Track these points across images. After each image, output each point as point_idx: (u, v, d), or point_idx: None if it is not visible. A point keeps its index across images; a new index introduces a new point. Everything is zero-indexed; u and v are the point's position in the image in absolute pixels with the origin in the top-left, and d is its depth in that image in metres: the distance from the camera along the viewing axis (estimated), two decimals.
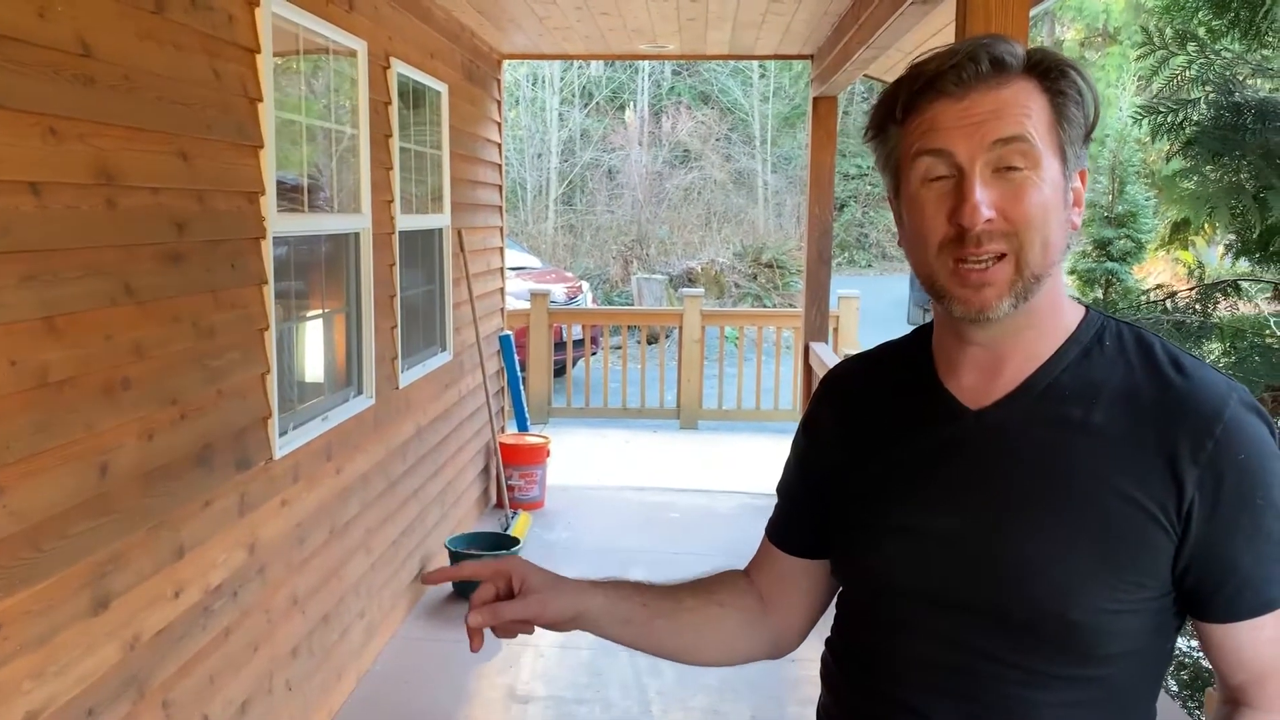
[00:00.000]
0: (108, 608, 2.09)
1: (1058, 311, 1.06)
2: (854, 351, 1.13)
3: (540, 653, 4.03)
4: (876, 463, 1.12)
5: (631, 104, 20.57)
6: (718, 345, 9.22)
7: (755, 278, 16.60)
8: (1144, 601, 1.01)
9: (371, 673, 3.78)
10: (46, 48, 1.88)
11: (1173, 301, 4.07)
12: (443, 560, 4.69)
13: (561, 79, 19.81)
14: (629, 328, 8.76)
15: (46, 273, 1.88)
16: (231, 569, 2.66)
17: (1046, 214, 0.98)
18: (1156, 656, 1.07)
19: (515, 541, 4.81)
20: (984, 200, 0.96)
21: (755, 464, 6.40)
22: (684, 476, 6.56)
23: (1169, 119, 3.47)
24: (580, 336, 9.34)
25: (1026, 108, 0.98)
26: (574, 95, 20.14)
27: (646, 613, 1.22)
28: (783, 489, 1.28)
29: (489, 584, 1.16)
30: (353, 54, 3.58)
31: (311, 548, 3.23)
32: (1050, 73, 1.00)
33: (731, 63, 20.05)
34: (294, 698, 3.09)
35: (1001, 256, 0.98)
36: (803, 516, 1.23)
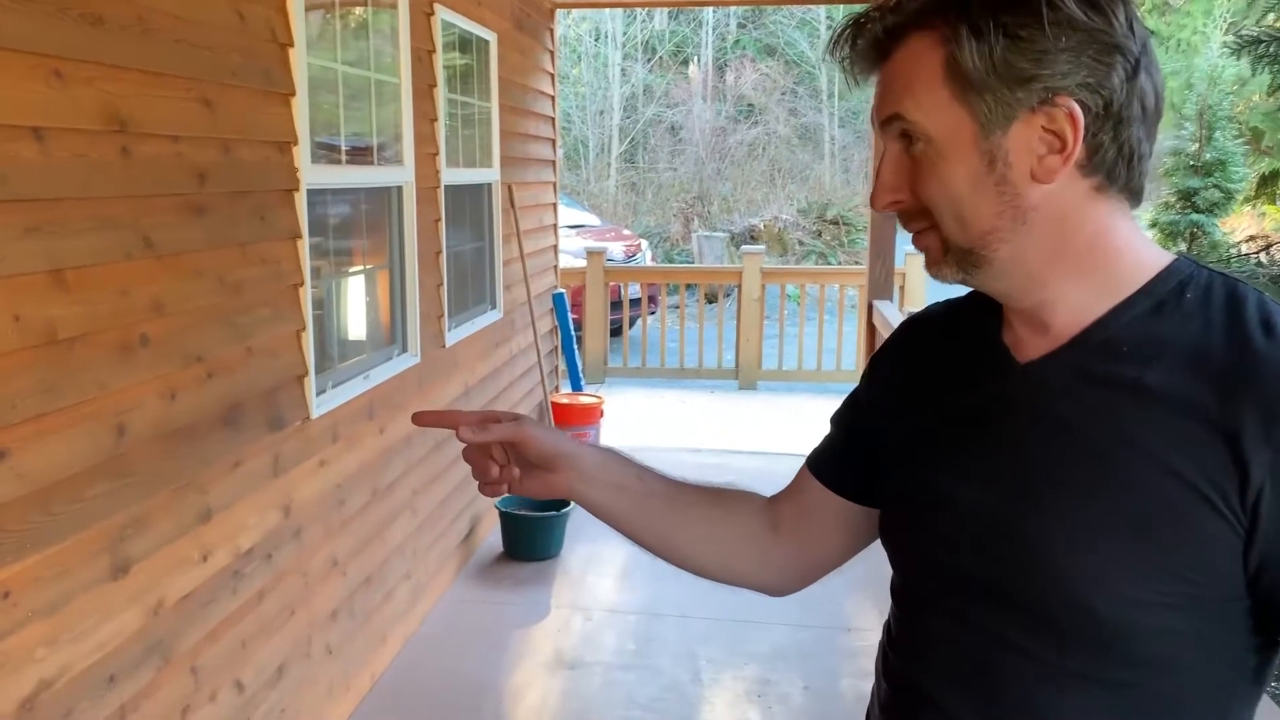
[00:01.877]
0: (128, 572, 2.02)
1: (1112, 260, 0.90)
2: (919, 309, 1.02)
3: (588, 617, 3.95)
4: (922, 416, 1.02)
5: (695, 58, 20.20)
6: (778, 304, 9.02)
7: (820, 235, 16.26)
8: (1190, 600, 0.84)
9: (417, 635, 3.73)
10: None
11: (1268, 254, 3.78)
12: (494, 520, 4.62)
13: (624, 33, 19.52)
14: (688, 286, 8.58)
15: (52, 224, 1.79)
16: (264, 531, 2.59)
17: (949, 188, 0.87)
18: (1224, 679, 0.89)
19: (566, 502, 4.72)
20: (887, 183, 0.90)
21: (815, 426, 6.16)
22: (741, 438, 6.42)
23: (1272, 49, 3.16)
24: (638, 295, 9.21)
25: (908, 76, 0.87)
26: (636, 50, 19.84)
27: (642, 486, 1.15)
28: (833, 418, 1.18)
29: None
30: (394, 0, 3.45)
31: (353, 509, 3.16)
32: (943, 15, 0.85)
33: (797, 13, 19.54)
34: (334, 661, 3.04)
35: (930, 228, 0.90)
36: (841, 451, 1.15)
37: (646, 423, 6.87)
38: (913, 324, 1.13)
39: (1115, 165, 0.87)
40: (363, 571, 3.25)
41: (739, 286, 7.80)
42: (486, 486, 1.12)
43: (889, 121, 0.89)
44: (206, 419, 2.30)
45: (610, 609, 3.99)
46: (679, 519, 1.16)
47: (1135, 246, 0.91)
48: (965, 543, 0.93)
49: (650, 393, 7.71)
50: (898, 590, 1.06)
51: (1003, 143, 0.85)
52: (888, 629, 1.08)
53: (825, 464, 1.16)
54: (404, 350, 3.66)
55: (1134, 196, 0.91)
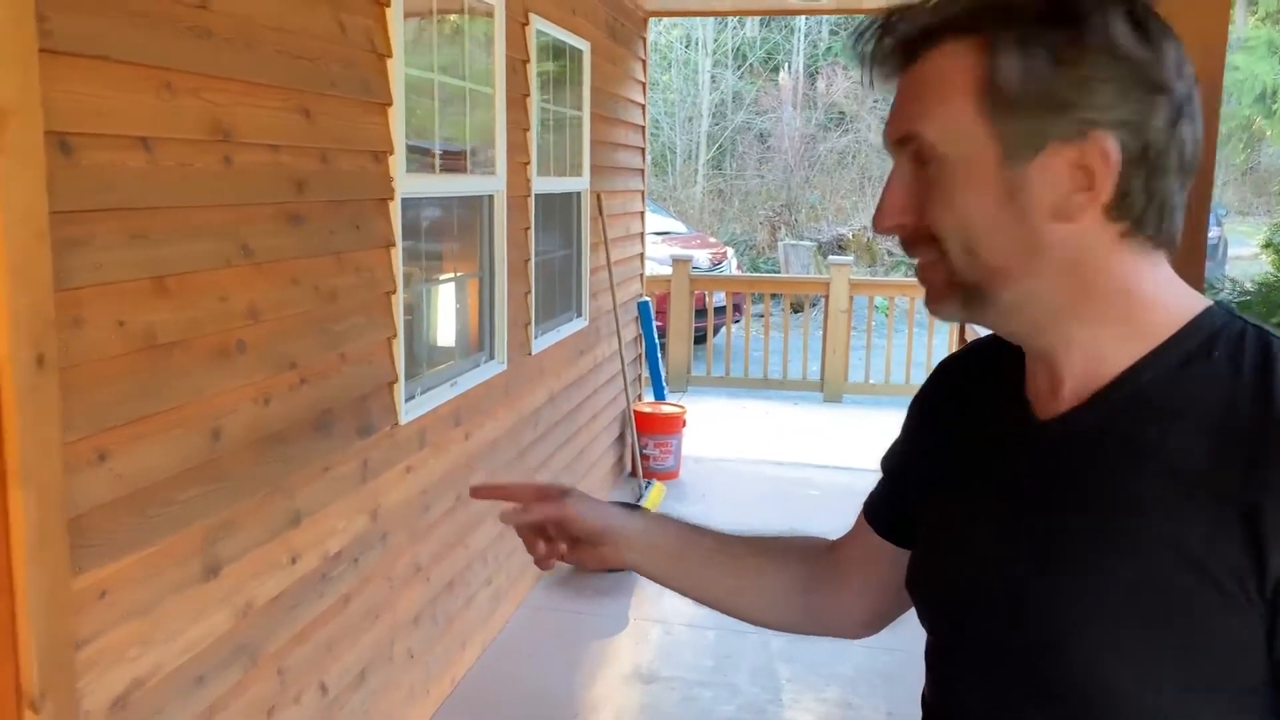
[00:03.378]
0: (218, 574, 2.05)
1: (1135, 309, 0.82)
2: None
3: (668, 631, 3.91)
4: (946, 465, 0.97)
5: (786, 65, 20.06)
6: (866, 315, 8.87)
7: None
8: (1209, 686, 0.76)
9: (496, 642, 3.74)
10: None
11: None
12: None
13: (715, 40, 19.48)
14: (773, 295, 8.50)
15: (156, 231, 1.83)
16: (352, 536, 2.61)
17: (962, 216, 0.79)
18: None
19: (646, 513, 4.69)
20: (894, 205, 0.83)
21: None
22: (825, 452, 6.32)
23: None
24: (722, 304, 9.16)
25: (932, 87, 0.80)
26: (727, 57, 19.79)
27: (690, 548, 1.15)
28: (881, 461, 1.14)
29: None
30: (489, 10, 3.47)
31: (436, 515, 3.18)
32: (987, 22, 0.77)
33: None
34: (415, 665, 3.06)
35: (936, 260, 0.82)
36: (888, 497, 1.11)
37: (728, 433, 6.81)
38: (945, 366, 1.08)
39: (1145, 214, 0.79)
40: (445, 577, 3.27)
41: (826, 297, 7.69)
42: (538, 561, 1.15)
43: (903, 141, 0.82)
44: (298, 424, 2.33)
45: (688, 623, 3.95)
46: (729, 576, 1.16)
47: (1163, 295, 0.83)
48: (979, 604, 0.88)
49: (733, 403, 7.65)
50: (926, 651, 1.00)
51: (1026, 172, 0.77)
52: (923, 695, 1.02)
53: (876, 510, 1.12)
54: (491, 358, 3.67)
55: (1167, 243, 0.82)
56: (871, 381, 7.85)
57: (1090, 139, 0.76)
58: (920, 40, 0.80)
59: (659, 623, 3.97)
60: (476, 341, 3.65)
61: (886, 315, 8.28)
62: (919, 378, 7.68)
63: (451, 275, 3.57)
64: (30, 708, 1.59)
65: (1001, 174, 0.78)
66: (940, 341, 7.46)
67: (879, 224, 0.84)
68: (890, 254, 15.34)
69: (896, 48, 0.82)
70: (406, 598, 2.98)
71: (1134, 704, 0.78)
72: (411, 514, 2.99)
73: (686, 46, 19.45)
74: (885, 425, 6.05)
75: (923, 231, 0.82)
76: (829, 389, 7.71)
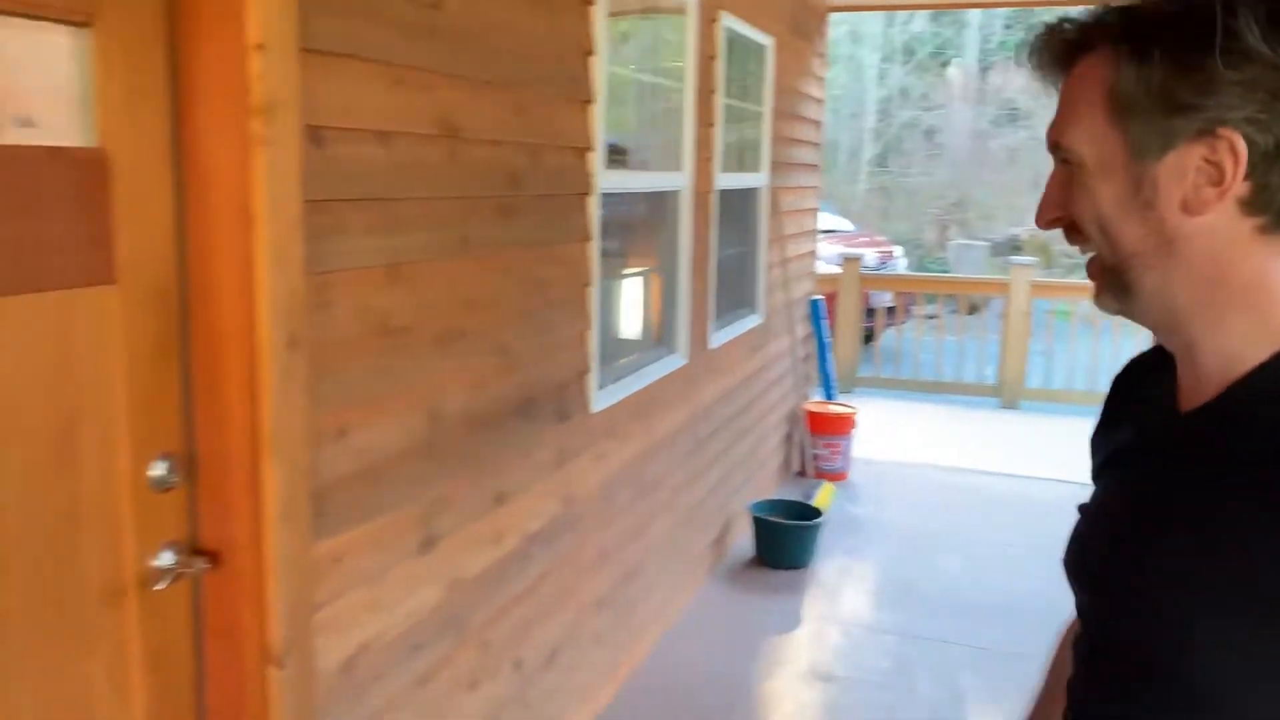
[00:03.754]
0: (433, 549, 2.16)
1: (1272, 302, 0.83)
2: None
3: (845, 631, 3.87)
4: (1115, 450, 1.01)
5: (956, 60, 19.48)
6: (1044, 319, 8.53)
7: None
8: None
9: (671, 632, 3.78)
10: None
11: None
12: (746, 525, 4.63)
13: (882, 35, 19.11)
14: (944, 296, 8.27)
15: (392, 222, 1.93)
16: (548, 518, 2.70)
17: (1096, 207, 0.86)
18: None
19: (818, 512, 4.66)
20: (1049, 200, 0.91)
21: (1083, 451, 5.83)
22: (1000, 459, 6.12)
23: None
24: (891, 304, 8.97)
25: (1074, 98, 0.87)
26: (895, 52, 19.38)
27: None
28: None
29: None
30: (681, 7, 3.51)
31: (620, 503, 3.25)
32: (1109, 37, 0.84)
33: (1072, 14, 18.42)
34: (599, 649, 3.13)
35: (1096, 257, 0.90)
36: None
37: (899, 436, 6.68)
38: (1127, 366, 1.09)
39: None
40: (626, 564, 3.34)
41: (1007, 299, 7.44)
42: None
43: (1054, 147, 0.89)
44: (505, 409, 2.42)
45: (865, 625, 3.90)
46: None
47: None
48: (1105, 589, 0.93)
49: (902, 405, 7.50)
50: (1075, 638, 1.02)
51: (1154, 169, 0.82)
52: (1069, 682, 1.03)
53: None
54: (672, 351, 3.72)
55: None
56: (1051, 387, 7.54)
57: (1219, 136, 0.79)
58: (1070, 52, 0.88)
59: (835, 622, 3.94)
60: (659, 335, 3.70)
61: (1066, 320, 7.94)
62: (1103, 384, 7.35)
63: (637, 270, 3.63)
64: (274, 664, 1.71)
65: (1129, 169, 0.84)
66: (1127, 347, 7.10)
67: (1037, 219, 0.92)
68: (1067, 256, 14.69)
69: (1054, 59, 0.89)
70: (592, 583, 3.05)
71: (1243, 698, 0.79)
72: (599, 501, 3.06)
73: (853, 42, 19.15)
74: (1066, 433, 5.82)
75: (1073, 224, 0.89)
76: (1006, 394, 7.46)
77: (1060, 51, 0.88)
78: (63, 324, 1.43)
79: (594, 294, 2.86)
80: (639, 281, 3.64)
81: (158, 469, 1.59)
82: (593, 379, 2.91)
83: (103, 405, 1.50)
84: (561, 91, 2.60)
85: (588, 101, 2.74)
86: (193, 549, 1.67)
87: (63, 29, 1.43)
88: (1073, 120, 0.86)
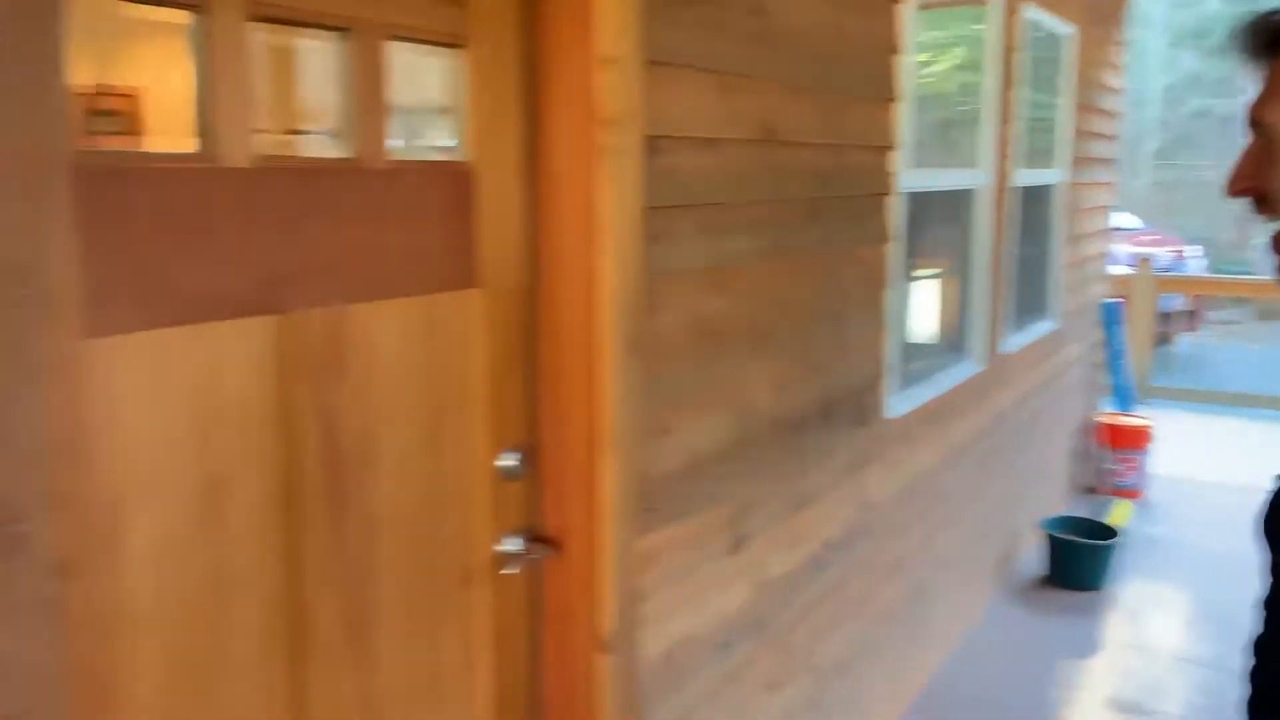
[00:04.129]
0: (741, 550, 2.18)
1: None
2: None
3: (1151, 660, 3.60)
4: None
5: None
6: None
7: None
8: None
9: (960, 650, 3.65)
10: (724, 6, 1.95)
11: None
12: (1033, 541, 4.39)
13: (1169, 18, 17.66)
14: (1245, 301, 7.53)
15: (716, 226, 1.97)
16: (845, 525, 2.67)
17: (1271, 180, 0.92)
18: None
19: (1114, 531, 4.35)
20: (1240, 171, 0.95)
21: None
22: None
23: None
24: (1185, 307, 8.28)
25: (1275, 81, 0.91)
26: (1184, 36, 17.87)
27: None
28: None
29: None
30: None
31: (911, 512, 3.16)
32: None
33: None
34: (889, 660, 3.07)
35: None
36: None
37: (1198, 452, 6.13)
38: None
39: None
40: (917, 575, 3.25)
41: None
42: None
43: (1254, 122, 0.94)
44: (808, 412, 2.41)
45: (1174, 655, 3.61)
46: None
47: None
48: None
49: (1200, 418, 6.88)
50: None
51: None
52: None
53: None
54: (966, 357, 3.59)
55: None
56: None
57: None
58: (1272, 41, 0.92)
59: (1139, 650, 3.66)
60: (952, 340, 3.58)
61: None
62: None
63: (931, 272, 3.53)
64: (605, 650, 1.78)
65: None
66: None
67: (1228, 188, 0.96)
68: None
69: (1262, 44, 0.93)
70: (884, 593, 2.99)
71: None
72: (892, 509, 3.00)
73: (1137, 26, 17.81)
74: None
75: (1264, 196, 0.93)
76: None
77: (1270, 37, 0.93)
78: (433, 324, 1.55)
79: (891, 297, 2.80)
80: (932, 284, 3.53)
81: (508, 459, 1.70)
82: (888, 384, 2.85)
83: (464, 399, 1.61)
84: (867, 91, 2.56)
85: (891, 100, 2.69)
86: (535, 536, 1.77)
87: (442, 51, 1.55)
88: (1270, 101, 0.92)
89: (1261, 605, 1.01)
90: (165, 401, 1.17)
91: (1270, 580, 1.01)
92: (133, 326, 1.13)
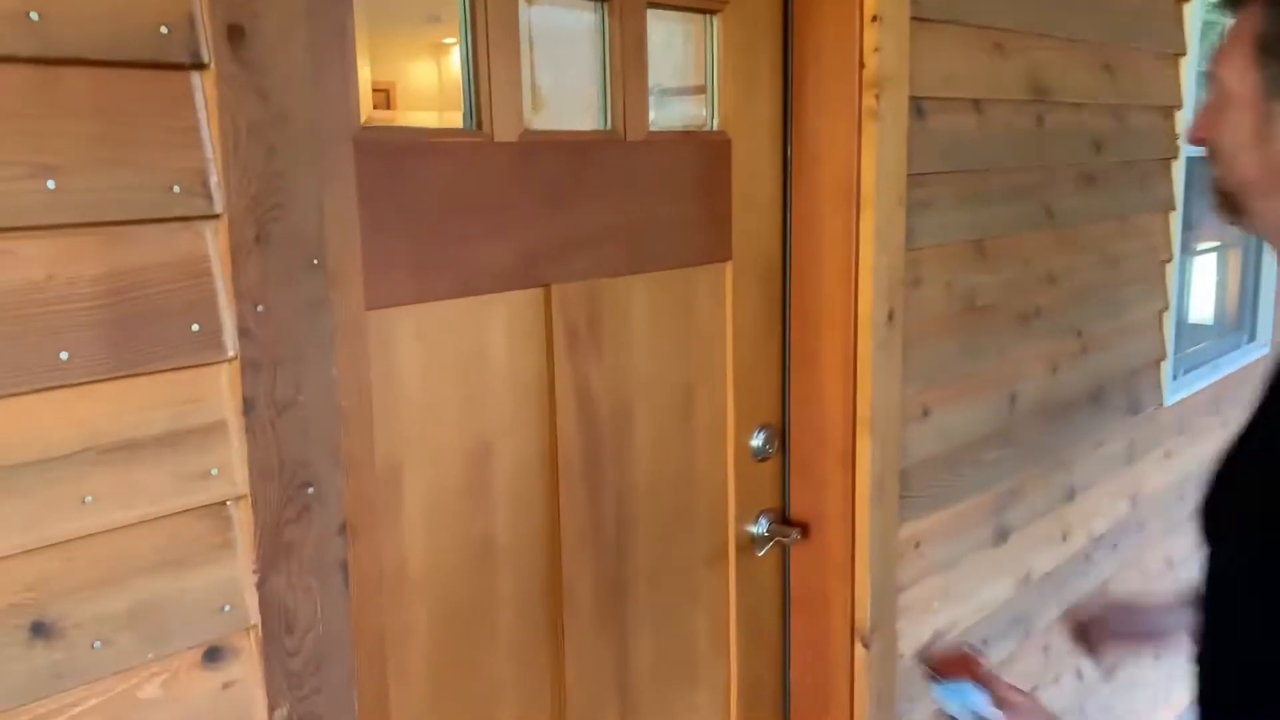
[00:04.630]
0: (1005, 541, 2.04)
1: None
2: None
3: None
4: None
5: None
6: None
7: None
8: None
9: None
10: None
11: None
12: None
13: None
14: None
15: (979, 194, 1.84)
16: (1114, 518, 2.46)
17: (1226, 134, 0.93)
18: None
19: None
20: (1196, 122, 0.98)
21: None
22: None
23: None
24: None
25: (1231, 41, 0.93)
26: None
27: None
28: None
29: None
30: None
31: (1186, 508, 2.88)
32: None
33: None
34: (1154, 671, 2.81)
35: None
36: None
37: None
38: None
39: None
40: (1190, 578, 2.96)
41: None
42: None
43: (1209, 75, 0.96)
44: (1077, 396, 2.23)
45: None
46: None
47: None
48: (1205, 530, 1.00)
49: None
50: None
51: (1278, 109, 0.89)
52: None
53: None
54: (1252, 339, 3.23)
55: None
56: None
57: None
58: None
59: None
60: (1235, 319, 3.24)
61: None
62: None
63: (1214, 245, 3.20)
64: (861, 642, 1.70)
65: (1258, 107, 0.90)
66: None
67: (1188, 136, 1.01)
68: None
69: (1231, 2, 0.95)
70: (1157, 594, 2.74)
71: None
72: (1166, 504, 2.74)
73: None
74: None
75: (1210, 146, 0.95)
76: None
77: None
78: (686, 298, 1.52)
79: (1175, 270, 2.55)
80: (1213, 258, 3.20)
81: (757, 439, 1.65)
82: (1167, 367, 2.60)
83: (714, 375, 1.57)
84: (1152, 45, 2.33)
85: (1179, 55, 2.43)
86: (784, 519, 1.71)
87: (694, 17, 1.51)
88: (1227, 55, 0.93)
89: (1197, 602, 1.00)
90: (437, 371, 1.20)
91: (1204, 575, 1.00)
92: (408, 299, 1.15)
